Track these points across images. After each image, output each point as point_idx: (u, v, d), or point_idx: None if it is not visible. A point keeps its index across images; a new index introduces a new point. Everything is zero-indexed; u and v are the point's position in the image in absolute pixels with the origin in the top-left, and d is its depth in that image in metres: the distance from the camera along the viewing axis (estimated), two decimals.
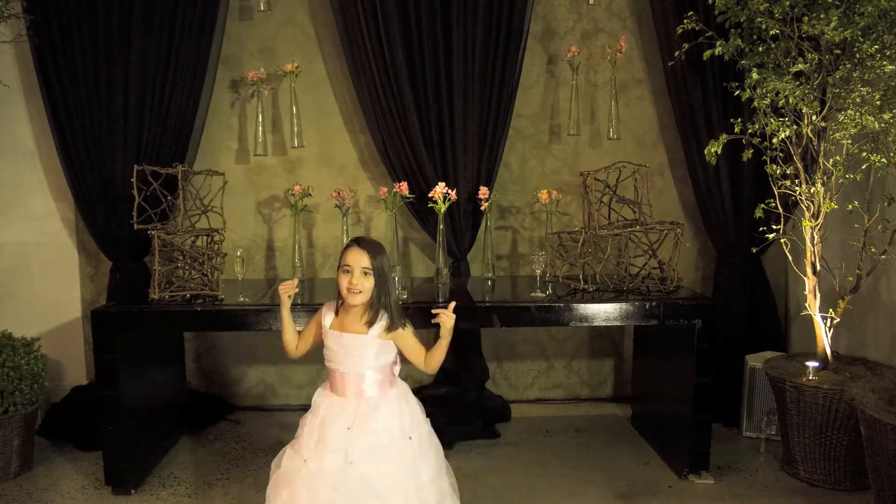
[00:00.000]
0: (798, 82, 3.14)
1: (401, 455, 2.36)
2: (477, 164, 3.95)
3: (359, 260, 2.38)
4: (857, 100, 2.94)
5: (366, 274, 2.38)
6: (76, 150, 3.83)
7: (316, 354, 2.53)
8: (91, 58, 3.73)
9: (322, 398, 2.47)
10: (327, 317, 2.48)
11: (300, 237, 3.99)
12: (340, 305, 2.48)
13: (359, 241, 2.44)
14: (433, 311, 2.41)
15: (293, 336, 2.58)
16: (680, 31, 3.40)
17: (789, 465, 3.37)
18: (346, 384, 2.42)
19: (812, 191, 3.26)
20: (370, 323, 2.41)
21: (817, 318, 3.33)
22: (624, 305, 3.21)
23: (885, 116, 2.85)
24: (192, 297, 3.28)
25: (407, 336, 2.46)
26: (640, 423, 3.96)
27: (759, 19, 3.15)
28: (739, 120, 3.32)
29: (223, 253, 3.38)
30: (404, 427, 2.41)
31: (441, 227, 3.78)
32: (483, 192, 3.83)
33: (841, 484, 3.20)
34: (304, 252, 4.14)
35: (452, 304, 2.43)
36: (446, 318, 2.40)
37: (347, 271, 2.39)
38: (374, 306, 2.41)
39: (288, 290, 2.52)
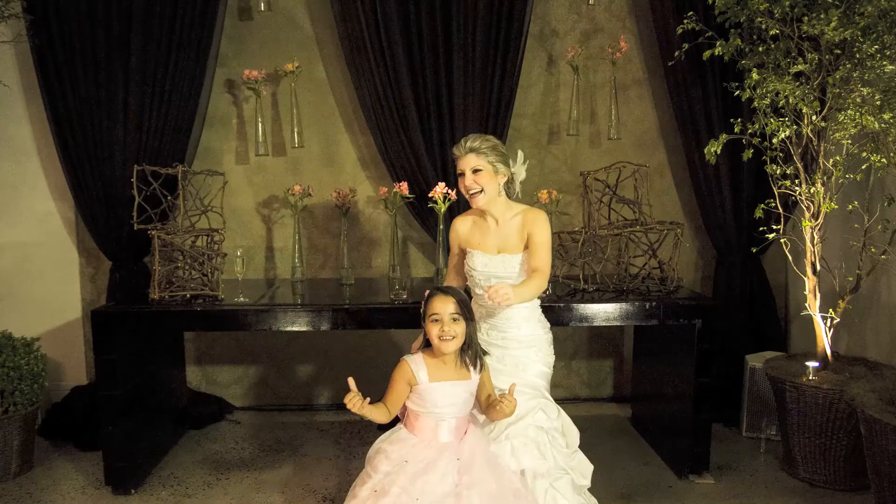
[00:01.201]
0: (798, 82, 3.14)
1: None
2: None
3: (446, 307, 2.34)
4: (857, 100, 2.94)
5: (455, 320, 2.35)
6: (76, 150, 3.83)
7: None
8: (91, 58, 3.73)
9: (411, 445, 2.38)
10: (420, 373, 2.39)
11: (300, 237, 3.99)
12: (427, 354, 2.42)
13: (441, 289, 2.41)
14: (498, 397, 2.34)
15: (385, 415, 2.40)
16: (680, 31, 3.40)
17: (789, 465, 3.37)
18: (448, 429, 2.38)
19: (812, 191, 3.26)
20: (473, 365, 2.42)
21: (817, 318, 3.33)
22: (624, 305, 3.20)
23: (885, 116, 2.85)
24: (192, 297, 3.28)
25: (487, 378, 2.50)
26: (640, 423, 3.96)
27: (759, 19, 3.15)
28: (739, 120, 3.32)
29: (223, 253, 3.38)
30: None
31: (441, 227, 3.78)
32: None
33: (841, 484, 3.20)
34: (304, 252, 4.14)
35: (514, 387, 2.37)
36: (506, 406, 2.32)
37: (436, 320, 2.34)
38: (471, 347, 2.41)
39: (362, 406, 2.31)
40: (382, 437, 2.49)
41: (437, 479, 2.28)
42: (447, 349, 2.34)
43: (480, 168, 2.58)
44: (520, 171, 2.71)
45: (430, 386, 2.35)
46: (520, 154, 2.73)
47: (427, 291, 2.44)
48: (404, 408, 2.46)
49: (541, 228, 2.61)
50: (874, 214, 3.14)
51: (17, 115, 4.05)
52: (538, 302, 2.75)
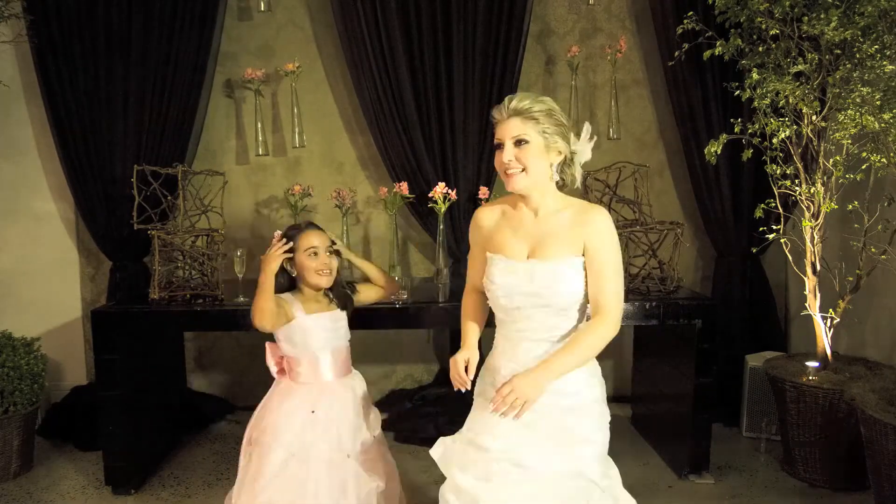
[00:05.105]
0: (798, 82, 3.14)
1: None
2: (477, 164, 3.95)
3: (323, 241, 2.38)
4: (857, 100, 2.94)
5: (330, 254, 2.39)
6: (76, 150, 3.83)
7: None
8: (91, 58, 3.73)
9: (303, 394, 2.40)
10: (294, 305, 2.38)
11: None
12: (296, 291, 2.44)
13: (310, 223, 2.45)
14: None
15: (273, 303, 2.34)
16: (680, 31, 3.39)
17: (789, 465, 3.37)
18: (327, 364, 2.39)
19: (812, 191, 3.26)
20: (340, 305, 2.45)
21: (817, 318, 3.33)
22: (624, 305, 3.20)
23: (885, 116, 2.85)
24: (192, 297, 3.28)
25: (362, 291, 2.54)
26: (640, 423, 3.96)
27: (759, 19, 3.15)
28: (739, 120, 3.32)
29: (223, 253, 3.38)
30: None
31: (441, 227, 3.77)
32: (483, 192, 3.83)
33: (841, 484, 3.20)
34: None
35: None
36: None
37: (315, 254, 2.35)
38: (338, 285, 2.45)
39: (279, 254, 2.31)
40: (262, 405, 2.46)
41: (345, 428, 2.33)
42: (324, 283, 2.36)
43: (527, 139, 1.84)
44: (584, 151, 1.95)
45: (307, 319, 2.34)
46: (586, 127, 1.96)
47: (288, 227, 2.45)
48: (280, 368, 2.46)
49: (605, 237, 1.82)
50: (874, 214, 3.14)
51: (17, 115, 4.05)
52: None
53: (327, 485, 2.25)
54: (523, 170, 1.86)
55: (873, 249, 3.17)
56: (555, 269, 1.84)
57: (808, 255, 3.33)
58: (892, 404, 2.78)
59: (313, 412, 2.32)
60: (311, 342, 2.37)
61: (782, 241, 3.41)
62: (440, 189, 3.67)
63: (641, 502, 3.10)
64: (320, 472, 2.26)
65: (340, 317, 2.44)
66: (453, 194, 3.71)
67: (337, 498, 2.24)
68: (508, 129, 1.85)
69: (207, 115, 4.05)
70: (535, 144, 1.85)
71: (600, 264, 1.82)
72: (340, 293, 2.46)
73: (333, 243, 2.43)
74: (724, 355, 3.90)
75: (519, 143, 1.84)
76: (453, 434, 2.06)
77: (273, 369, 2.48)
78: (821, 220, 3.27)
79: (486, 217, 2.01)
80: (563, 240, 1.85)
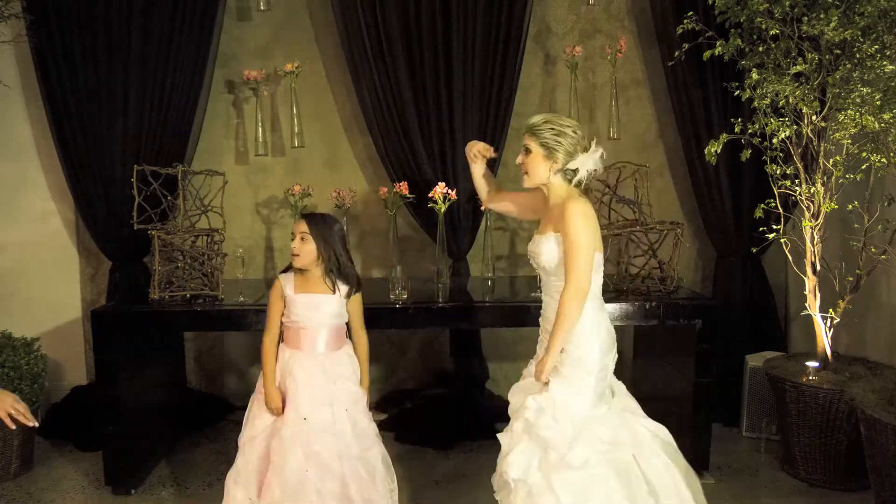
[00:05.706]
0: (798, 83, 3.14)
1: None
2: None
3: (298, 227, 2.63)
4: (857, 100, 2.94)
5: (303, 239, 2.59)
6: (76, 149, 3.83)
7: None
8: (91, 58, 3.73)
9: (286, 358, 2.64)
10: (287, 286, 2.64)
11: None
12: (297, 273, 2.68)
13: (302, 213, 2.68)
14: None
15: (272, 342, 2.68)
16: (680, 31, 3.39)
17: (789, 465, 3.37)
18: (308, 337, 2.62)
19: (812, 191, 3.26)
20: (347, 287, 2.66)
21: (817, 318, 3.33)
22: (624, 305, 3.20)
23: (885, 116, 2.85)
24: (192, 297, 3.28)
25: (354, 309, 2.73)
26: None
27: (758, 19, 3.15)
28: (739, 120, 3.32)
29: (223, 253, 3.38)
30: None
31: (441, 227, 3.78)
32: None
33: (841, 484, 3.20)
34: None
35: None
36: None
37: (293, 237, 2.64)
38: (333, 270, 2.64)
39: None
40: None
41: (319, 395, 2.57)
42: (295, 263, 2.64)
43: (529, 149, 2.40)
44: (585, 163, 2.46)
45: (293, 297, 2.62)
46: (593, 145, 2.52)
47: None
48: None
49: (571, 224, 2.29)
50: (874, 214, 3.14)
51: (17, 115, 4.05)
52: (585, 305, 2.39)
53: (274, 439, 2.60)
54: (526, 172, 2.44)
55: (873, 249, 3.16)
56: (547, 242, 2.38)
57: (808, 255, 3.33)
58: (892, 404, 2.78)
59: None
60: (293, 317, 2.62)
61: (782, 241, 3.41)
62: (440, 189, 3.67)
63: None
64: (280, 429, 2.60)
65: (331, 300, 2.62)
66: (453, 194, 3.71)
67: (283, 454, 2.53)
68: (524, 139, 2.43)
69: (207, 115, 4.05)
70: (535, 154, 2.41)
71: (566, 246, 2.31)
72: (347, 278, 2.65)
73: (305, 232, 2.62)
74: (724, 355, 3.89)
75: (526, 150, 2.42)
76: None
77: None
78: (821, 220, 3.27)
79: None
80: (555, 226, 2.37)
